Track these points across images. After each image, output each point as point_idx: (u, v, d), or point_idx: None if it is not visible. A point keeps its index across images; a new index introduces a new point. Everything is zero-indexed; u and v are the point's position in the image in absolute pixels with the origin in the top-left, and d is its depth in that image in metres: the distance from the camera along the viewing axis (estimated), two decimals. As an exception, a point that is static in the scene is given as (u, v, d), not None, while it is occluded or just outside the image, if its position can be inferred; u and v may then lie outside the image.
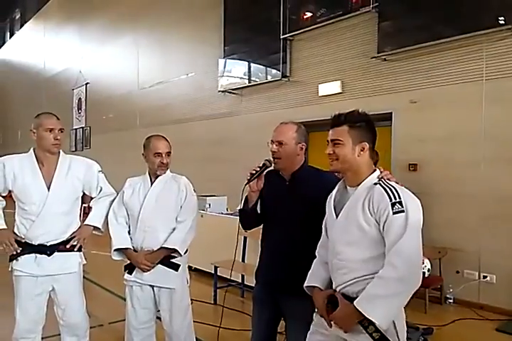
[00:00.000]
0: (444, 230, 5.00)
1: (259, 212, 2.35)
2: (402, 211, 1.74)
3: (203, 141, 8.50)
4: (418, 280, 1.75)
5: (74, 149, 13.90)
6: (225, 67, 7.95)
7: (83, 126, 13.79)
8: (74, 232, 2.80)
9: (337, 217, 1.91)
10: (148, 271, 2.77)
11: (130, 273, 2.84)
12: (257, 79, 7.47)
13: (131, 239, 2.84)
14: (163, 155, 2.81)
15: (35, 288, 2.72)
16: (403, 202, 1.75)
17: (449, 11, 4.98)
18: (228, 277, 5.17)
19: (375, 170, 1.91)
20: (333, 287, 1.94)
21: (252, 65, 7.64)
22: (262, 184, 2.29)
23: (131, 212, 2.85)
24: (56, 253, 2.72)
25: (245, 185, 2.28)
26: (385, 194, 1.78)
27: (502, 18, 4.48)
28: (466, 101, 4.92)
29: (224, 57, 7.90)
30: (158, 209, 2.80)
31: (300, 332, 2.08)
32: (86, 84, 13.35)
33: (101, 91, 12.46)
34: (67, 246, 2.75)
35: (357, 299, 1.75)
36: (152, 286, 2.84)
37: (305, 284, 2.04)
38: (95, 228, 2.91)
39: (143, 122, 10.56)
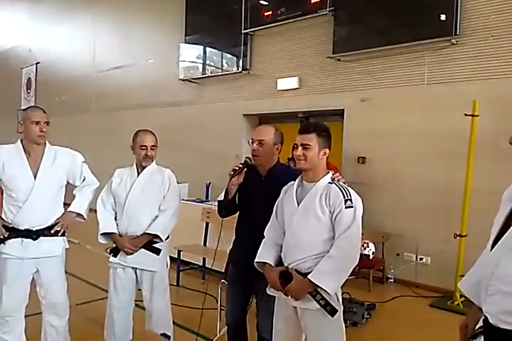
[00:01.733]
0: (387, 217, 5.53)
1: (237, 202, 2.69)
2: (352, 206, 2.22)
3: (161, 128, 8.50)
4: (357, 259, 2.25)
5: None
6: (186, 55, 8.10)
7: (32, 107, 13.42)
8: (58, 218, 2.98)
9: (298, 206, 2.31)
10: (132, 254, 3.00)
11: (115, 256, 3.06)
12: (218, 70, 7.70)
13: (117, 224, 3.06)
14: (148, 148, 3.02)
15: (20, 270, 2.87)
16: (353, 200, 2.24)
17: (397, 19, 5.47)
18: (190, 261, 5.49)
19: (328, 172, 2.36)
20: (285, 264, 2.33)
21: (213, 55, 7.84)
22: (242, 179, 2.60)
23: (118, 199, 3.06)
24: (41, 238, 2.88)
25: (230, 179, 2.58)
26: (340, 192, 2.24)
27: (443, 30, 5.00)
28: (409, 103, 5.43)
29: (185, 47, 8.05)
30: (143, 198, 3.02)
31: (271, 304, 2.45)
32: (36, 63, 12.95)
33: (53, 72, 12.13)
34: (52, 231, 2.92)
35: (311, 274, 2.19)
36: (135, 268, 3.07)
37: (256, 260, 2.41)
38: (78, 215, 3.09)
39: (99, 106, 10.52)
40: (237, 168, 2.57)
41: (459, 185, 4.67)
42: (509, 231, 1.47)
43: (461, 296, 4.66)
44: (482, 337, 1.54)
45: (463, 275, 4.72)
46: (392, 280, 5.47)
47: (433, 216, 5.22)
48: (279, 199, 2.47)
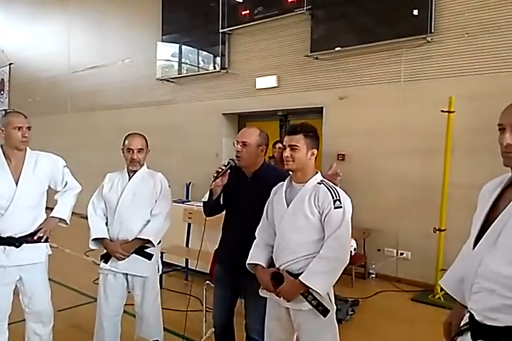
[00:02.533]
0: (368, 213, 5.58)
1: (221, 203, 2.69)
2: (341, 207, 2.24)
3: (139, 128, 8.42)
4: (348, 259, 2.27)
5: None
6: (163, 55, 8.04)
7: (6, 108, 13.12)
8: (41, 224, 2.94)
9: (287, 207, 2.32)
10: (123, 259, 2.95)
11: (106, 262, 3.01)
12: (196, 69, 7.67)
13: (108, 229, 3.01)
14: (135, 152, 2.96)
15: (3, 278, 2.82)
16: (341, 200, 2.25)
17: (374, 18, 5.53)
18: (173, 262, 5.45)
19: (317, 172, 2.38)
20: (277, 265, 2.34)
21: (191, 54, 7.80)
22: (226, 180, 2.60)
23: (110, 204, 3.02)
24: (24, 245, 2.84)
25: (212, 181, 2.57)
26: (329, 192, 2.26)
27: (419, 28, 5.07)
28: (387, 100, 5.50)
29: (163, 46, 7.98)
30: (134, 203, 2.98)
31: (260, 305, 2.47)
32: (10, 64, 12.71)
33: (27, 73, 11.89)
34: (35, 238, 2.88)
35: (302, 275, 2.20)
36: (126, 274, 3.02)
37: (248, 261, 2.41)
38: (61, 220, 3.05)
39: (74, 107, 10.37)
40: (221, 170, 2.56)
41: (437, 180, 4.76)
42: (491, 228, 1.49)
43: (441, 290, 4.74)
44: (468, 333, 1.56)
45: (443, 269, 4.82)
46: (373, 276, 5.55)
47: (412, 211, 5.30)
48: (269, 200, 2.48)
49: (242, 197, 2.64)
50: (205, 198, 2.70)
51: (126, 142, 3.00)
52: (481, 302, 1.49)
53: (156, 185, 3.04)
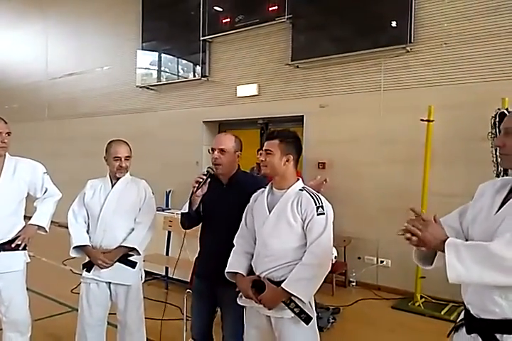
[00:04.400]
0: (348, 221, 5.59)
1: (202, 213, 2.63)
2: (323, 213, 2.23)
3: (118, 136, 8.30)
4: (330, 265, 2.28)
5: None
6: (143, 62, 8.00)
7: (-19, 115, 12.90)
8: (19, 232, 2.89)
9: (269, 213, 2.29)
10: (107, 268, 2.88)
11: (88, 270, 2.94)
12: (176, 77, 7.65)
13: (89, 237, 2.94)
14: (122, 159, 2.91)
15: None
16: (324, 207, 2.25)
17: (354, 27, 5.60)
18: (153, 271, 5.36)
19: (298, 179, 2.37)
20: (257, 273, 2.31)
21: (172, 62, 7.78)
22: (206, 189, 2.54)
23: (92, 212, 2.96)
24: (1, 253, 2.80)
25: (194, 192, 2.50)
26: (311, 199, 2.25)
27: (398, 38, 5.16)
28: (367, 109, 5.56)
29: (143, 54, 7.95)
30: (118, 210, 2.92)
31: (236, 315, 2.44)
32: (-15, 71, 12.52)
33: (3, 80, 11.67)
34: (13, 246, 2.83)
35: (284, 282, 2.17)
36: (109, 283, 2.96)
37: (227, 270, 2.37)
38: (40, 227, 2.99)
39: (52, 114, 10.22)
40: (201, 180, 2.50)
41: (417, 189, 4.79)
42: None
43: (421, 297, 4.77)
44: (463, 328, 1.61)
45: (423, 277, 4.83)
46: (354, 284, 5.56)
47: (392, 219, 5.31)
48: (248, 207, 2.45)
49: (217, 205, 2.59)
50: (184, 209, 2.61)
51: (112, 150, 2.94)
52: (479, 293, 1.53)
53: (140, 192, 3.00)
